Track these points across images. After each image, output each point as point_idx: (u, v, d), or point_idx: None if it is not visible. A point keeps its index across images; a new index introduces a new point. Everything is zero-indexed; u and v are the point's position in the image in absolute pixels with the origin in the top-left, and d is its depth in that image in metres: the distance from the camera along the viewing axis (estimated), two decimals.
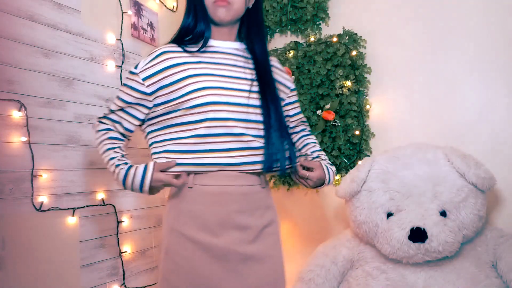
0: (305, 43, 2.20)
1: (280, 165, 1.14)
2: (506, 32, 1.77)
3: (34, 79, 1.38)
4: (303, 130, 1.34)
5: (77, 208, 1.48)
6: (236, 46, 1.19)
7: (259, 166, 1.12)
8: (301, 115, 1.34)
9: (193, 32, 1.16)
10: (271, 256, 1.12)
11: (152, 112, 1.13)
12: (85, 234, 1.51)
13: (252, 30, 1.20)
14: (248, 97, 1.11)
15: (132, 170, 1.07)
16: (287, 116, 1.26)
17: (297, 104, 1.32)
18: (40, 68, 1.40)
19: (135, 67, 1.12)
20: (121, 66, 1.70)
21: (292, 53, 2.20)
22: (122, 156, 1.11)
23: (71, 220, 1.46)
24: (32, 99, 1.37)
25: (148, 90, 1.10)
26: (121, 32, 1.71)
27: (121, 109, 1.13)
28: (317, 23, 2.19)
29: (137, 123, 1.15)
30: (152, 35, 1.88)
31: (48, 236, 1.39)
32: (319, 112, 2.11)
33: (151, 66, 1.11)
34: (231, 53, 1.17)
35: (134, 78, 1.11)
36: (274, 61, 1.26)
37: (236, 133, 1.09)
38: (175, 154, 1.09)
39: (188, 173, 1.10)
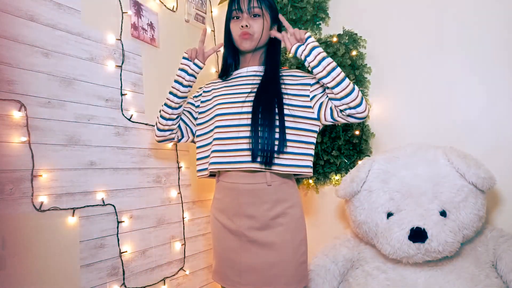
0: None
1: (265, 155, 1.33)
2: (507, 31, 1.77)
3: (34, 79, 1.38)
4: None
5: (77, 208, 1.48)
6: (255, 69, 1.49)
7: (251, 165, 1.35)
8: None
9: (227, 64, 1.54)
10: (274, 243, 1.35)
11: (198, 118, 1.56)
12: (85, 234, 1.51)
13: (268, 54, 1.50)
14: (242, 107, 1.39)
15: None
16: (321, 98, 1.41)
17: (322, 89, 1.43)
18: (40, 68, 1.40)
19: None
20: (121, 66, 1.70)
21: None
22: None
23: (71, 220, 1.46)
24: (32, 99, 1.37)
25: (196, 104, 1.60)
26: (121, 32, 1.71)
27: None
28: (317, 23, 2.19)
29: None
30: (152, 35, 1.88)
31: (48, 236, 1.38)
32: None
33: (200, 92, 1.60)
34: (247, 75, 1.49)
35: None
36: (292, 72, 1.49)
37: (233, 137, 1.37)
38: (213, 153, 1.41)
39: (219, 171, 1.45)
